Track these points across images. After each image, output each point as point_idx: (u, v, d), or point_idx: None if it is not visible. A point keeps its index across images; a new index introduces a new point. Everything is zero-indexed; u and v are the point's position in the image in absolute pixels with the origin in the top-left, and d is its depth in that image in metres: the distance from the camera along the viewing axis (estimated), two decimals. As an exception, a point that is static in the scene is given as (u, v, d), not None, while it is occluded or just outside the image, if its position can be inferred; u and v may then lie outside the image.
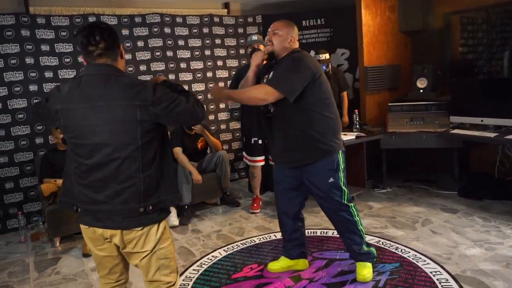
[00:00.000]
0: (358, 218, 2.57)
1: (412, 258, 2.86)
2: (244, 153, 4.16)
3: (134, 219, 1.64)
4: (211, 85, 5.01)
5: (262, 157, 4.00)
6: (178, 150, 3.99)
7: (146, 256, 1.71)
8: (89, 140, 1.61)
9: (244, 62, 5.21)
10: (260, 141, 3.91)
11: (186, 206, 3.98)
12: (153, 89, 1.59)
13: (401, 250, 3.00)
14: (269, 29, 2.48)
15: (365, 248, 2.60)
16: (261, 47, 3.77)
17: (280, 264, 2.82)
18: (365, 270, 2.60)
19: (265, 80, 2.48)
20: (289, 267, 2.81)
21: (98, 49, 1.60)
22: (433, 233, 3.27)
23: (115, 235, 1.66)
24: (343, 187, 2.50)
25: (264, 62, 2.51)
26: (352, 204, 2.54)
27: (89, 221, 1.68)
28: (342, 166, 2.49)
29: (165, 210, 1.74)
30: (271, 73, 2.43)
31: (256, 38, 3.83)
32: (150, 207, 1.64)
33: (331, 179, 2.45)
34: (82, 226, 1.74)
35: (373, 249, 2.66)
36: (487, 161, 4.27)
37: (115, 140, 1.59)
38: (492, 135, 3.58)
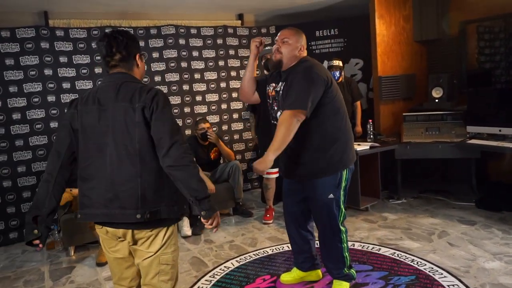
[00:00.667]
0: (346, 245, 2.48)
1: (429, 271, 2.80)
2: None
3: (134, 225, 1.65)
4: (224, 96, 5.04)
5: (277, 169, 3.88)
6: None
7: (149, 257, 1.72)
8: (96, 141, 1.66)
9: (258, 72, 5.22)
10: None
11: (199, 216, 3.97)
12: (154, 94, 1.63)
13: (417, 263, 2.93)
14: (277, 38, 2.41)
15: (345, 271, 2.52)
16: None
17: (292, 275, 2.79)
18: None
19: (271, 88, 2.45)
20: (302, 279, 2.78)
21: (113, 60, 1.71)
22: (450, 245, 3.19)
23: (127, 233, 1.68)
24: (342, 206, 2.42)
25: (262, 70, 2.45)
26: (344, 229, 2.47)
27: (98, 221, 1.71)
28: (344, 183, 2.40)
29: (170, 220, 1.73)
30: (282, 85, 2.35)
31: (270, 49, 3.83)
32: (148, 215, 1.63)
33: (331, 195, 2.37)
34: (96, 228, 1.77)
35: (353, 271, 2.57)
36: (505, 171, 4.17)
37: (116, 142, 1.63)
38: (511, 145, 3.50)
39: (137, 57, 1.76)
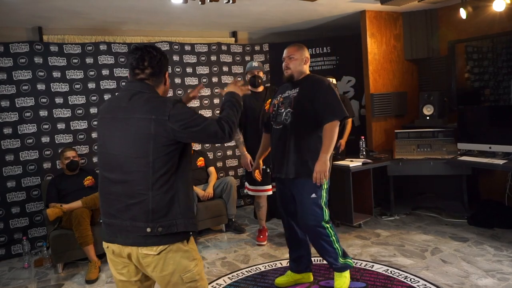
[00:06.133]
0: (334, 238, 2.63)
1: (422, 288, 2.78)
2: (246, 184, 3.91)
3: (143, 238, 1.59)
4: (217, 112, 5.05)
5: (269, 186, 3.80)
6: None
7: (170, 280, 1.65)
8: (107, 151, 1.66)
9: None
10: (268, 169, 3.63)
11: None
12: (172, 105, 1.60)
13: (411, 280, 2.91)
14: (284, 56, 2.71)
15: (341, 261, 2.66)
16: (261, 73, 3.82)
17: (286, 278, 2.93)
18: (342, 280, 2.68)
19: (288, 94, 2.68)
20: (296, 281, 2.92)
21: (143, 73, 1.69)
22: (443, 262, 3.18)
23: (131, 253, 1.63)
24: (324, 206, 2.60)
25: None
26: (329, 225, 2.62)
27: (106, 236, 1.69)
28: (325, 186, 2.60)
29: (182, 233, 1.65)
30: (296, 90, 2.64)
31: (256, 65, 3.81)
32: (159, 229, 1.58)
33: (313, 195, 2.56)
34: (104, 246, 1.73)
35: (349, 260, 2.72)
36: (496, 188, 4.21)
37: (128, 153, 1.60)
38: (501, 162, 3.54)
39: (166, 74, 1.77)
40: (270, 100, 3.71)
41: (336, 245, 2.63)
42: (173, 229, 1.61)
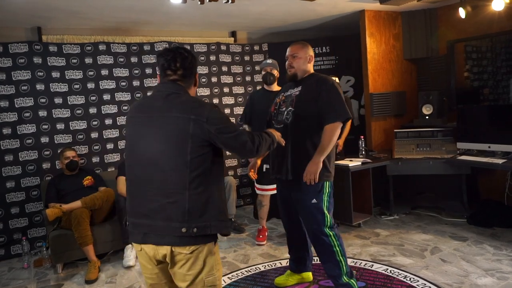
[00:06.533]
0: (338, 249, 2.50)
1: (422, 287, 2.78)
2: (255, 184, 3.92)
3: (178, 238, 1.59)
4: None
5: (273, 186, 3.76)
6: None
7: (193, 280, 1.65)
8: (140, 149, 1.65)
9: (250, 88, 5.27)
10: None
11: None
12: (210, 109, 1.63)
13: (410, 279, 2.92)
14: (287, 54, 2.63)
15: (344, 279, 2.52)
16: (274, 71, 3.81)
17: (286, 277, 2.92)
18: None
19: (290, 93, 2.61)
20: (295, 281, 2.92)
21: (175, 75, 1.71)
22: (442, 262, 3.19)
23: (166, 254, 1.63)
24: (326, 212, 2.49)
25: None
26: (333, 233, 2.49)
27: (137, 237, 1.67)
28: (327, 190, 2.51)
29: (213, 235, 1.67)
30: (298, 89, 2.57)
31: (270, 62, 3.82)
32: (195, 229, 1.58)
33: (314, 200, 2.48)
34: (136, 249, 1.73)
35: (353, 282, 2.55)
36: (496, 188, 4.21)
37: (164, 150, 1.60)
38: (500, 161, 3.54)
39: (196, 75, 1.79)
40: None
41: (340, 258, 2.49)
42: (207, 231, 1.62)
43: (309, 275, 2.94)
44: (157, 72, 1.78)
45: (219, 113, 1.67)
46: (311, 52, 2.63)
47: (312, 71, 2.65)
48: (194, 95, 1.79)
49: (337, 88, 2.49)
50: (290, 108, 2.55)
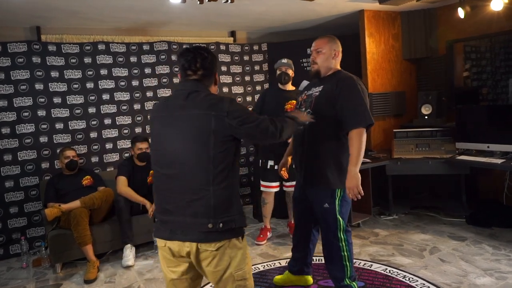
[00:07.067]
0: (346, 254, 2.47)
1: (421, 287, 2.78)
2: (260, 181, 3.90)
3: (204, 234, 1.63)
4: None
5: (277, 183, 3.82)
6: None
7: (222, 276, 1.68)
8: (165, 147, 1.69)
9: (249, 88, 5.27)
10: (276, 166, 3.63)
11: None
12: (229, 102, 1.66)
13: (409, 279, 2.92)
14: (312, 48, 2.52)
15: (346, 281, 2.51)
16: (289, 71, 3.80)
17: (283, 277, 2.92)
18: None
19: (312, 92, 2.51)
20: (292, 282, 2.90)
21: (195, 75, 1.76)
22: (441, 261, 3.19)
23: (191, 251, 1.65)
24: (338, 216, 2.43)
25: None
26: (344, 237, 2.45)
27: (164, 233, 1.69)
28: (339, 194, 2.43)
29: (238, 229, 1.71)
30: (319, 89, 2.45)
31: (285, 61, 3.81)
32: (220, 224, 1.62)
33: (326, 205, 2.43)
34: (159, 244, 1.75)
35: (355, 284, 2.53)
36: (494, 188, 4.21)
37: (188, 148, 1.64)
38: (499, 161, 3.55)
39: (216, 74, 1.83)
40: (292, 101, 3.72)
41: (347, 263, 2.47)
42: (232, 225, 1.66)
43: (306, 279, 2.89)
44: (178, 72, 1.85)
45: (238, 105, 1.70)
46: (337, 47, 2.49)
47: (338, 67, 2.51)
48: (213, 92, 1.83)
49: (359, 90, 2.33)
50: (308, 109, 2.43)
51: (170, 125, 1.69)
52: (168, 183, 1.68)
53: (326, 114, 2.35)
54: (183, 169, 1.64)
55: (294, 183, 3.74)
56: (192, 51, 1.75)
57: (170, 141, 1.68)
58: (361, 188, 2.29)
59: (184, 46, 4.81)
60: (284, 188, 3.93)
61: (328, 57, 2.46)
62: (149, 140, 3.45)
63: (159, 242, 1.74)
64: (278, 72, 3.82)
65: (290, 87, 3.85)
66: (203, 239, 1.63)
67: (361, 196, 2.33)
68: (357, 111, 2.29)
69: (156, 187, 1.75)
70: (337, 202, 2.43)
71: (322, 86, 2.45)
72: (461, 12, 3.93)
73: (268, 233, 3.95)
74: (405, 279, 2.91)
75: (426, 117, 4.53)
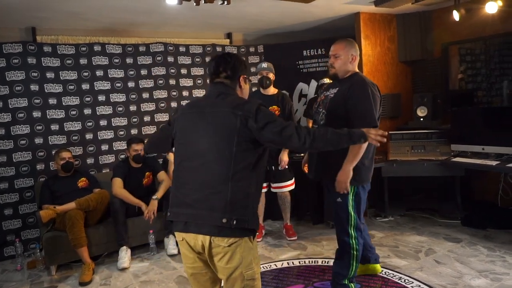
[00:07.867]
0: (355, 253, 2.52)
1: (416, 289, 2.79)
2: None
3: (217, 228, 1.66)
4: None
5: (265, 184, 3.90)
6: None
7: (232, 273, 1.71)
8: (190, 140, 1.76)
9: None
10: (267, 167, 3.70)
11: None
12: (257, 106, 1.73)
13: (405, 281, 2.93)
14: (330, 52, 2.59)
15: (345, 281, 2.55)
16: (270, 75, 3.83)
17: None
18: None
19: (329, 93, 2.58)
20: (362, 272, 2.96)
21: (219, 78, 1.87)
22: (437, 263, 3.20)
23: (204, 245, 1.69)
24: (351, 211, 2.50)
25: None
26: (355, 234, 2.51)
27: (178, 226, 1.74)
28: (353, 190, 2.49)
29: (250, 230, 1.73)
30: (335, 91, 2.53)
31: (265, 66, 3.85)
32: (234, 221, 1.65)
33: (339, 199, 2.50)
34: (177, 239, 1.80)
35: (352, 286, 2.59)
36: (489, 189, 4.23)
37: (212, 143, 1.70)
38: (494, 163, 3.57)
39: (241, 79, 1.89)
40: (275, 106, 3.77)
41: (353, 262, 2.53)
42: (245, 225, 1.68)
43: (375, 267, 2.98)
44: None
45: (265, 110, 1.75)
46: (355, 51, 2.56)
47: (355, 70, 2.58)
48: (243, 97, 1.91)
49: (369, 94, 2.39)
50: (323, 110, 2.54)
51: (200, 119, 1.76)
52: (190, 175, 1.73)
53: (339, 115, 2.44)
54: (205, 163, 1.70)
55: (282, 184, 3.91)
56: (219, 56, 1.89)
57: (197, 135, 1.75)
58: (348, 185, 2.41)
59: (180, 48, 4.81)
60: (273, 190, 3.98)
61: (345, 61, 2.54)
62: (145, 141, 3.45)
63: (177, 236, 1.79)
64: (259, 76, 3.86)
65: (271, 90, 3.90)
66: (216, 233, 1.66)
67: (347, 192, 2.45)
68: (363, 113, 2.37)
69: (176, 179, 1.79)
70: (350, 198, 2.49)
71: (337, 88, 2.54)
72: (456, 15, 3.95)
73: (262, 231, 4.05)
74: (401, 281, 2.92)
75: (421, 119, 4.55)
